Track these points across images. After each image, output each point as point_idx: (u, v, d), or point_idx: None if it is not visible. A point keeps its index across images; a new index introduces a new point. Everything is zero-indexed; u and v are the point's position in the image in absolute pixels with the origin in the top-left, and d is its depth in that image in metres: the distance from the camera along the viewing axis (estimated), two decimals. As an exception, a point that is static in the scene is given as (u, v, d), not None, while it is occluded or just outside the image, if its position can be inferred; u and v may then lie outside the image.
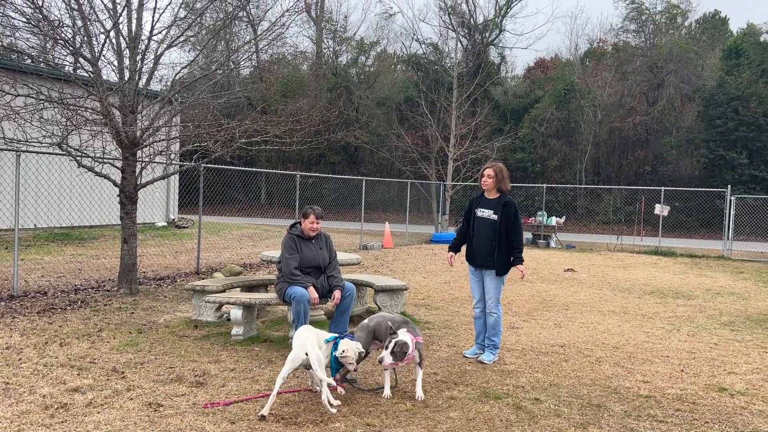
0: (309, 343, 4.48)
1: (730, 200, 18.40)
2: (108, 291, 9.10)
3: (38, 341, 6.16)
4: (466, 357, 6.00)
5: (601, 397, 4.90)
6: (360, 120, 35.05)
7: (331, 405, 4.41)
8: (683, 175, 31.39)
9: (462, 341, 6.69)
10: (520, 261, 5.89)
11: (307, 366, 4.47)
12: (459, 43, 32.45)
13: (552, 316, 8.35)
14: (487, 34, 36.35)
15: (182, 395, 4.75)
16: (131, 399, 4.64)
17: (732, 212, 18.45)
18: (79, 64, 8.48)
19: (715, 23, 41.84)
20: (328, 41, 42.55)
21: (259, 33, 11.45)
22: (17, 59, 9.19)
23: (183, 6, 11.94)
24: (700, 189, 24.40)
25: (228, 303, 6.46)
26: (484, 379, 5.32)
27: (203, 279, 8.66)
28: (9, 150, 8.28)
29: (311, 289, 6.06)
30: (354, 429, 4.13)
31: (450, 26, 34.33)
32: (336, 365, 4.74)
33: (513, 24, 61.30)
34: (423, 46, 36.17)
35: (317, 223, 6.35)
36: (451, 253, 6.30)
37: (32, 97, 7.97)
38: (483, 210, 5.96)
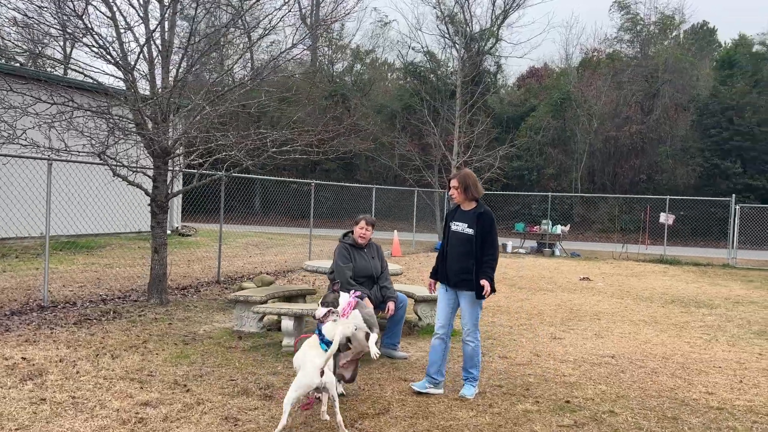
0: (321, 362, 4.24)
1: (735, 209, 18.62)
2: (136, 301, 8.98)
3: (88, 353, 6.05)
4: (415, 390, 5.16)
5: (673, 410, 4.91)
6: (358, 128, 35.06)
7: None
8: (679, 184, 31.72)
9: (512, 351, 6.69)
10: (487, 276, 5.08)
11: (322, 389, 4.27)
12: (457, 51, 32.64)
13: (588, 326, 8.37)
14: (484, 43, 36.57)
15: (255, 409, 4.69)
16: (205, 413, 4.57)
17: (736, 221, 18.67)
18: (112, 74, 8.38)
19: (703, 34, 42.46)
20: (323, 49, 42.60)
21: (253, 40, 11.35)
22: (49, 66, 9.06)
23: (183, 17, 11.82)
24: (704, 198, 24.65)
25: (280, 314, 6.39)
26: (551, 391, 5.32)
27: (241, 289, 8.58)
28: (41, 158, 8.16)
29: (367, 300, 6.03)
30: (443, 443, 4.10)
31: (447, 35, 34.51)
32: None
33: (509, 33, 61.89)
34: (420, 54, 36.29)
35: (368, 230, 6.32)
36: (431, 280, 5.54)
37: (68, 106, 7.88)
38: (457, 223, 5.25)
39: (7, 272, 11.01)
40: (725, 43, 40.20)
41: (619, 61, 36.80)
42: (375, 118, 35.50)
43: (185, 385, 5.19)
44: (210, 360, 6.02)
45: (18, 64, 15.22)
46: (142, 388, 5.08)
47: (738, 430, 4.51)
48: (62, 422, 4.28)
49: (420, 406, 4.83)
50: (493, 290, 5.11)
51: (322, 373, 4.18)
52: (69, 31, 7.90)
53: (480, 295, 5.09)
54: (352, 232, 6.37)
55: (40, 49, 11.28)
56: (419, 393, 5.11)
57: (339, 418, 4.17)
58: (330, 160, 38.68)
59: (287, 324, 6.34)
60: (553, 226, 21.08)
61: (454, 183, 5.33)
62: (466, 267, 5.13)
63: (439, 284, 5.47)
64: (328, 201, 32.82)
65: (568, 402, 5.01)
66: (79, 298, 9.06)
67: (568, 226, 22.54)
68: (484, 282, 5.04)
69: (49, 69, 24.57)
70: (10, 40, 11.38)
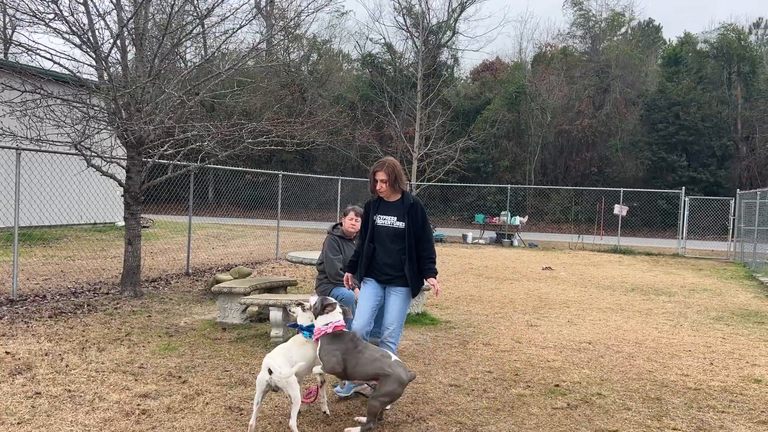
0: (274, 362, 4.07)
1: (684, 201, 19.46)
2: (108, 294, 8.82)
3: (73, 347, 5.95)
4: (340, 396, 4.81)
5: (655, 391, 5.20)
6: (314, 117, 34.93)
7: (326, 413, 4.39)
8: (628, 177, 32.85)
9: (494, 339, 6.89)
10: (434, 273, 4.72)
11: (274, 388, 4.08)
12: (414, 44, 32.83)
13: (559, 313, 8.68)
14: (441, 36, 36.88)
15: (250, 400, 4.72)
16: (207, 403, 4.59)
17: (686, 212, 19.51)
18: (83, 62, 8.17)
19: (649, 31, 43.93)
20: (279, 37, 42.09)
21: (207, 26, 11.18)
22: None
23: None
24: (656, 191, 25.65)
25: (268, 305, 6.41)
26: (539, 376, 5.53)
27: (217, 281, 8.52)
28: (9, 148, 7.90)
29: (357, 290, 6.11)
30: (448, 428, 4.25)
31: (405, 27, 34.66)
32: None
33: (466, 26, 62.44)
34: (378, 46, 36.35)
35: (357, 221, 6.39)
36: (348, 274, 5.01)
37: (38, 94, 7.65)
38: (384, 217, 4.72)
39: (-36, 265, 10.60)
40: (669, 41, 41.71)
41: (572, 57, 37.73)
42: (333, 108, 35.43)
43: (180, 377, 5.18)
44: (199, 352, 6.00)
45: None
46: (136, 380, 5.05)
47: (717, 408, 4.81)
48: (64, 415, 4.23)
49: (417, 393, 4.96)
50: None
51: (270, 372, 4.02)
52: (38, 15, 7.64)
53: (415, 293, 4.77)
54: (341, 223, 6.43)
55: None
56: (345, 397, 4.79)
57: (292, 422, 4.01)
58: (287, 151, 38.50)
59: (275, 315, 6.37)
60: (511, 217, 21.55)
61: (381, 176, 4.67)
62: (398, 263, 4.69)
63: (361, 281, 4.92)
64: (286, 192, 32.63)
65: (557, 386, 5.24)
66: (48, 291, 8.83)
67: (526, 217, 23.09)
68: (433, 281, 4.69)
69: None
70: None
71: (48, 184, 14.84)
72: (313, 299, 4.56)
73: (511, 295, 10.15)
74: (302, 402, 4.58)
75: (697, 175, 31.41)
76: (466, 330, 7.34)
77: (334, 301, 4.40)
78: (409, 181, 23.75)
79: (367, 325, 4.72)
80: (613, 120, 34.55)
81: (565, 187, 30.50)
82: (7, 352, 5.63)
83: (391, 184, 4.71)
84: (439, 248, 18.83)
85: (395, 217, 4.72)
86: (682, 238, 19.61)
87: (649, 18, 44.98)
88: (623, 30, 40.83)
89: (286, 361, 4.17)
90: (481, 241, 21.65)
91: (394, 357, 3.90)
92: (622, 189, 21.25)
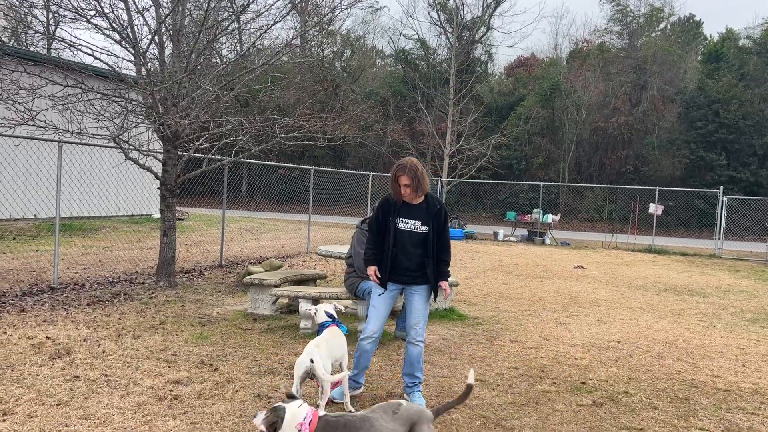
0: (318, 349, 4.19)
1: (722, 201, 19.04)
2: (144, 284, 9.06)
3: (109, 333, 6.15)
4: (335, 401, 4.51)
5: (684, 391, 5.15)
6: (355, 114, 35.15)
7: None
8: (665, 175, 32.22)
9: (522, 336, 6.89)
10: (446, 276, 4.66)
11: (311, 375, 4.13)
12: (448, 39, 32.72)
13: (589, 312, 8.62)
14: (475, 32, 36.68)
15: (278, 388, 4.83)
16: (237, 391, 4.71)
17: (723, 212, 19.09)
18: (122, 57, 8.38)
19: (689, 27, 42.95)
20: (313, 33, 42.37)
21: (242, 23, 11.29)
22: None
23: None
24: (693, 189, 25.13)
25: (298, 297, 6.53)
26: (566, 373, 5.53)
27: (249, 273, 8.68)
28: (51, 140, 8.17)
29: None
30: (472, 422, 4.29)
31: (438, 23, 34.58)
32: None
33: (500, 21, 61.85)
34: (411, 42, 36.32)
35: None
36: (373, 267, 4.67)
37: (79, 88, 7.89)
38: (407, 221, 4.56)
39: (7, 254, 10.99)
40: (711, 37, 40.72)
41: (608, 53, 37.14)
42: (366, 104, 35.54)
43: (211, 365, 5.32)
44: (230, 341, 6.15)
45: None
46: (169, 367, 5.20)
47: (747, 410, 4.75)
48: (100, 398, 4.40)
49: (443, 386, 5.01)
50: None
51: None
52: (80, 12, 7.87)
53: (436, 296, 4.72)
54: (369, 218, 6.50)
55: (23, 27, 11.25)
56: (337, 401, 4.49)
57: (322, 404, 4.16)
58: (319, 147, 38.82)
59: (305, 306, 6.47)
60: (544, 215, 21.37)
61: (405, 180, 4.44)
62: (421, 266, 4.60)
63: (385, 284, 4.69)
64: (317, 187, 32.94)
65: (583, 383, 5.23)
66: (86, 280, 9.11)
67: (559, 215, 22.86)
68: (444, 285, 4.62)
69: (32, 48, 24.24)
70: None
71: (88, 177, 15.28)
72: (323, 308, 4.81)
73: (540, 293, 10.10)
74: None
75: (736, 175, 30.66)
76: (494, 326, 7.35)
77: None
78: (440, 177, 23.72)
79: (379, 331, 4.63)
80: (650, 117, 33.92)
81: (599, 185, 30.07)
82: (48, 337, 5.86)
83: (415, 187, 4.47)
84: (469, 245, 18.86)
85: (419, 222, 4.55)
86: (719, 239, 19.18)
87: (690, 13, 43.94)
88: (662, 26, 40.03)
89: (328, 353, 4.32)
90: (512, 239, 21.52)
91: (404, 402, 3.34)
92: (657, 188, 20.88)
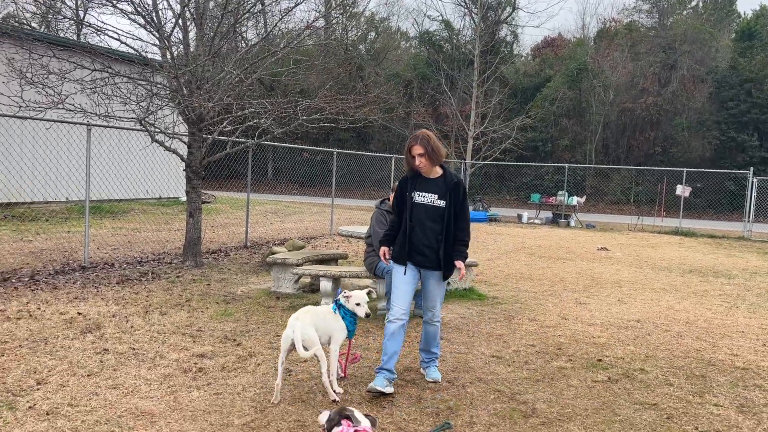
0: (300, 322, 4.15)
1: (753, 182, 18.68)
2: (171, 263, 9.29)
3: (137, 310, 6.36)
4: (379, 390, 4.23)
5: (701, 369, 5.16)
6: (377, 97, 35.14)
7: (334, 391, 4.23)
8: (694, 157, 31.65)
9: (540, 315, 6.94)
10: (463, 257, 4.51)
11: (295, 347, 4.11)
12: (473, 20, 32.38)
13: (610, 292, 8.61)
14: (500, 12, 36.23)
15: (305, 361, 4.96)
16: (259, 364, 4.86)
17: (753, 194, 18.75)
18: (147, 41, 8.55)
19: (722, 4, 41.81)
20: (336, 14, 42.28)
21: (266, 4, 11.31)
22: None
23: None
24: (721, 171, 24.66)
25: (318, 275, 6.66)
26: (582, 351, 5.57)
27: (273, 253, 8.83)
28: (80, 123, 8.38)
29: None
30: (486, 395, 4.37)
31: (463, 3, 34.21)
32: (353, 326, 4.44)
33: (526, 1, 60.63)
34: (435, 23, 36.04)
35: None
36: (384, 248, 4.67)
37: (106, 72, 8.07)
38: (424, 194, 4.46)
39: (41, 234, 11.34)
40: (744, 14, 39.64)
41: (637, 32, 36.43)
42: (390, 87, 35.47)
43: (235, 340, 5.49)
44: (253, 318, 6.31)
45: (30, 28, 15.38)
46: (195, 341, 5.38)
47: (764, 387, 4.75)
48: (128, 370, 4.58)
49: (459, 362, 5.10)
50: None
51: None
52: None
53: (447, 276, 4.55)
54: (388, 199, 6.57)
55: (52, 13, 11.47)
56: (382, 393, 4.26)
57: (325, 378, 4.19)
58: (344, 130, 38.91)
59: (326, 285, 6.61)
60: (569, 197, 21.23)
61: (418, 149, 4.37)
62: (434, 244, 4.46)
63: (396, 265, 4.60)
64: (342, 170, 33.10)
65: (600, 360, 5.28)
66: (116, 259, 9.38)
67: (584, 197, 22.67)
68: (460, 264, 4.49)
69: (62, 33, 24.63)
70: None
71: (117, 161, 15.59)
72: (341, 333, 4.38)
73: (562, 274, 10.10)
74: (349, 363, 4.80)
75: (769, 156, 30.01)
76: (513, 306, 7.41)
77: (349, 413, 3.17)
78: (464, 159, 23.65)
79: (406, 314, 4.46)
80: (680, 98, 33.26)
81: (625, 167, 29.66)
82: (79, 313, 6.08)
83: (430, 156, 4.37)
84: (492, 227, 18.84)
85: (436, 195, 4.45)
86: (748, 221, 18.86)
87: (722, -10, 42.74)
88: (693, 3, 39.06)
89: (312, 324, 4.23)
90: (536, 221, 21.43)
91: None
92: (685, 169, 20.55)
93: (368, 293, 4.55)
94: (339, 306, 4.43)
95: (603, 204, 31.27)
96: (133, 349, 5.09)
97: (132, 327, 5.73)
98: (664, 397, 4.47)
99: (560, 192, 21.67)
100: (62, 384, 4.24)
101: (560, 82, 34.49)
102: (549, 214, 21.71)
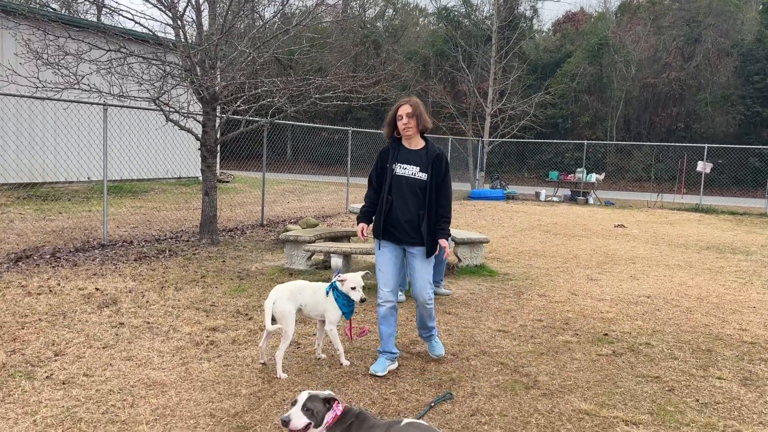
0: (277, 294, 4.26)
1: (775, 158, 18.33)
2: (188, 241, 9.46)
3: (153, 286, 6.52)
4: (379, 375, 4.23)
5: (708, 343, 5.18)
6: (393, 75, 34.96)
7: (319, 355, 4.45)
8: (718, 133, 31.05)
9: (550, 291, 6.98)
10: (446, 234, 4.33)
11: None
12: (492, -5, 31.91)
13: (623, 269, 8.60)
14: (519, -14, 35.64)
15: (313, 335, 5.08)
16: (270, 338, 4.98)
17: (776, 170, 18.40)
18: (160, 20, 8.61)
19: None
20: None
21: None
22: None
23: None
24: (743, 146, 24.18)
25: (329, 252, 6.75)
26: (589, 326, 5.61)
27: (287, 231, 8.95)
28: (96, 104, 8.52)
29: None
30: (490, 367, 4.45)
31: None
32: (347, 308, 4.34)
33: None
34: (454, -2, 35.59)
35: None
36: (362, 225, 4.51)
37: (121, 52, 8.17)
38: (405, 166, 4.27)
39: (63, 214, 11.59)
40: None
41: (660, 5, 35.62)
42: (406, 64, 35.25)
43: (247, 314, 5.62)
44: (266, 293, 6.41)
45: (51, 10, 15.54)
46: (207, 316, 5.52)
47: (770, 361, 4.77)
48: (142, 343, 4.73)
49: (465, 336, 5.18)
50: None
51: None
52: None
53: (431, 254, 4.32)
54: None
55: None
56: (380, 376, 4.24)
57: (279, 354, 4.22)
58: (362, 108, 38.85)
59: (336, 261, 6.71)
60: (587, 174, 21.04)
61: (407, 109, 4.21)
62: (416, 220, 4.26)
63: (376, 240, 4.45)
64: (361, 149, 33.11)
65: (606, 335, 5.31)
66: (134, 237, 9.57)
67: (603, 174, 22.45)
68: (444, 243, 4.31)
69: (82, 14, 24.84)
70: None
71: (137, 142, 15.81)
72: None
73: (576, 251, 10.09)
74: (356, 337, 4.90)
75: (796, 131, 29.34)
76: (523, 282, 7.45)
77: (329, 395, 3.03)
78: (482, 137, 23.52)
79: (393, 295, 4.35)
80: (704, 72, 32.56)
81: (647, 144, 29.24)
82: (97, 289, 6.26)
83: (417, 119, 4.20)
84: (509, 205, 18.79)
85: (417, 167, 4.25)
86: (771, 197, 18.55)
87: (751, -40, 41.52)
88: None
89: (292, 296, 4.28)
90: (554, 199, 21.30)
91: (405, 420, 2.91)
92: (706, 145, 20.21)
93: (363, 276, 4.41)
94: (333, 288, 4.34)
95: (624, 181, 30.92)
96: (148, 323, 5.25)
97: (147, 302, 5.89)
98: (667, 370, 4.50)
99: (578, 169, 21.48)
100: (79, 355, 4.40)
101: (581, 58, 33.94)
102: (567, 192, 21.56)
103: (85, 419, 3.42)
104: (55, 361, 4.28)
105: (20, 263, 7.33)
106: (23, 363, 4.21)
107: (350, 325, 4.51)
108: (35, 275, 6.77)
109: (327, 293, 4.36)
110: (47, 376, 4.00)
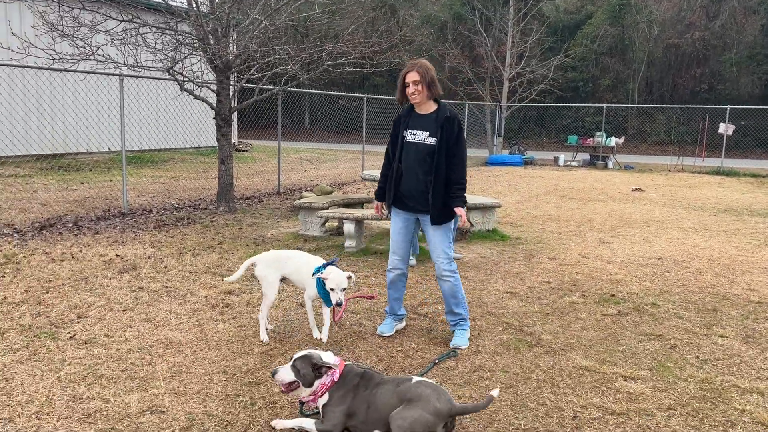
0: (259, 258, 4.37)
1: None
2: (206, 209, 9.65)
3: (171, 252, 6.72)
4: (386, 335, 4.34)
5: (714, 303, 5.23)
6: (408, 39, 34.56)
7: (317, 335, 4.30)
8: (742, 94, 30.36)
9: (561, 254, 7.04)
10: (461, 202, 4.08)
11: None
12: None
13: (637, 232, 8.61)
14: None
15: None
16: (282, 300, 5.15)
17: (800, 131, 18.04)
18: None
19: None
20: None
21: None
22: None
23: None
24: (766, 107, 23.66)
25: (342, 218, 6.87)
26: (597, 287, 5.69)
27: (303, 198, 9.08)
28: (112, 74, 8.64)
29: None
30: (495, 327, 4.56)
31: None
32: (325, 297, 4.14)
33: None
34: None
35: None
36: (377, 203, 4.43)
37: (135, 23, 8.26)
38: (415, 132, 4.11)
39: (85, 184, 11.85)
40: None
41: (685, -38, 34.54)
42: (424, 29, 34.79)
43: (261, 279, 5.77)
44: (280, 259, 6.59)
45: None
46: (223, 280, 5.69)
47: (774, 320, 4.81)
48: (160, 306, 4.93)
49: (473, 297, 5.29)
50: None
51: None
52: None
53: (441, 221, 4.12)
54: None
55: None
56: (387, 336, 4.34)
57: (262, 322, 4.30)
58: (379, 75, 38.53)
59: (349, 227, 6.83)
60: (607, 138, 20.81)
61: (414, 76, 4.01)
62: (425, 186, 4.09)
63: (390, 208, 4.36)
64: (378, 116, 33.01)
65: (613, 296, 5.39)
66: (154, 206, 9.78)
67: (623, 138, 22.17)
68: (460, 211, 4.08)
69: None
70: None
71: (155, 112, 15.97)
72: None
73: (591, 215, 10.10)
74: (363, 299, 5.04)
75: (824, 91, 28.57)
76: (535, 246, 7.51)
77: (325, 362, 3.05)
78: (499, 102, 23.29)
79: (401, 263, 4.32)
80: (729, 32, 31.69)
81: (669, 106, 28.72)
82: (117, 255, 6.47)
83: (426, 87, 4.02)
84: (527, 171, 18.73)
85: (427, 132, 4.07)
86: (794, 159, 18.22)
87: None
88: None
89: (276, 263, 4.30)
90: (573, 164, 21.15)
91: (416, 378, 2.97)
92: (729, 106, 19.82)
93: (347, 278, 4.07)
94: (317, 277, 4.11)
95: (645, 145, 30.52)
96: (166, 287, 5.44)
97: (166, 267, 6.09)
98: (671, 329, 4.58)
99: (598, 133, 21.25)
100: (100, 318, 4.60)
101: (602, 19, 33.22)
102: (586, 156, 21.38)
103: (106, 376, 3.62)
104: (78, 323, 4.49)
105: (44, 231, 7.57)
106: (48, 324, 4.42)
107: (333, 310, 4.28)
108: (59, 243, 7.01)
109: (313, 275, 4.14)
110: (70, 337, 4.20)
